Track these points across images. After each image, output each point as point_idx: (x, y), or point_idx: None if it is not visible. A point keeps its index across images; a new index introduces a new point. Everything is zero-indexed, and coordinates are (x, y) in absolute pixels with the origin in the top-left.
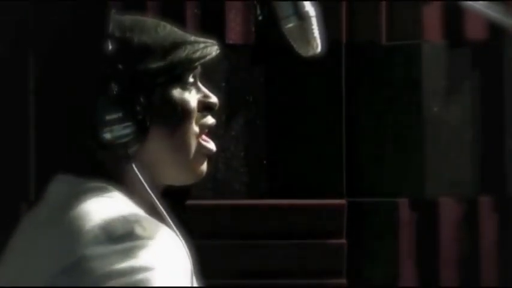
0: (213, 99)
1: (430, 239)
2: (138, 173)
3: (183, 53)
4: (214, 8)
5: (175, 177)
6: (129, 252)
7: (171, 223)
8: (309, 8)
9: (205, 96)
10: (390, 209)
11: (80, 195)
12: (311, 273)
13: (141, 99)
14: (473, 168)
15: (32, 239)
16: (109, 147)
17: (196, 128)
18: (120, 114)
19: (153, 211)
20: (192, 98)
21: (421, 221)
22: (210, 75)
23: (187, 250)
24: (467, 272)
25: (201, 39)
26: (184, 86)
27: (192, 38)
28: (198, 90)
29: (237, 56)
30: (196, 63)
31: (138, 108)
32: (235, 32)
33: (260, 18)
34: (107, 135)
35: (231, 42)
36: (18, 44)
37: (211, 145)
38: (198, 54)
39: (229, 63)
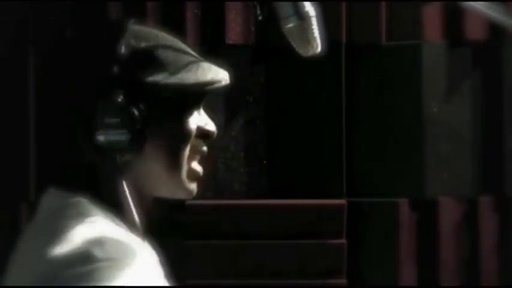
0: (212, 128)
1: (430, 239)
2: (125, 186)
3: (193, 76)
4: (214, 8)
5: (166, 192)
6: (85, 276)
7: (146, 240)
8: (309, 8)
9: (205, 123)
10: (390, 209)
11: (59, 212)
12: (311, 273)
13: (142, 110)
14: (473, 168)
15: (21, 252)
16: (101, 151)
17: (189, 151)
18: (118, 120)
19: (139, 225)
20: (192, 121)
21: (421, 221)
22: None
23: (156, 267)
24: (467, 272)
25: (214, 66)
26: (188, 108)
27: (205, 63)
28: (200, 115)
29: (237, 56)
30: (204, 89)
31: (137, 118)
32: (235, 32)
33: (260, 18)
34: (101, 138)
35: (231, 42)
36: (18, 44)
37: (199, 169)
38: (207, 79)
39: (229, 63)
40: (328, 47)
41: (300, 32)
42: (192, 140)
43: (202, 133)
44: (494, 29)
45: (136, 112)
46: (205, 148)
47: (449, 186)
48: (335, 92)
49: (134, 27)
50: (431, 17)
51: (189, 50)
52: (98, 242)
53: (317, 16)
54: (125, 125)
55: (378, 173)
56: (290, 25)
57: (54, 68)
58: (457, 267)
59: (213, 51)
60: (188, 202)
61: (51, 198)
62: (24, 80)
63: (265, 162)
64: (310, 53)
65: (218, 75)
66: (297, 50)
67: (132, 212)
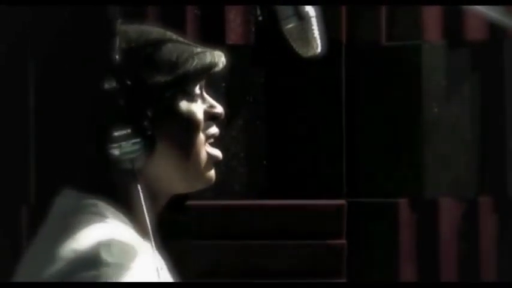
0: (219, 109)
1: (430, 239)
2: (141, 192)
3: (190, 66)
4: (215, 8)
5: (185, 186)
6: (92, 280)
7: (154, 247)
8: (309, 9)
9: (211, 106)
10: (390, 209)
11: (71, 213)
12: (311, 273)
13: (149, 114)
14: (473, 168)
15: (33, 253)
16: (117, 163)
17: (203, 137)
18: (128, 131)
19: (150, 229)
20: (198, 108)
21: (421, 221)
22: (210, 75)
23: (160, 275)
24: (467, 272)
25: (207, 50)
26: (191, 98)
27: (199, 49)
28: (204, 100)
29: (237, 57)
30: (203, 75)
31: (146, 123)
32: (235, 33)
33: (260, 18)
34: (115, 152)
35: (231, 42)
36: (18, 46)
37: (217, 152)
38: (205, 66)
39: (229, 64)
40: (328, 47)
41: (300, 32)
42: (202, 125)
43: (210, 116)
44: (494, 29)
45: (144, 117)
46: (216, 129)
47: (449, 187)
48: (335, 92)
49: (122, 28)
50: (431, 17)
51: (179, 39)
52: (107, 245)
53: (317, 16)
54: (137, 133)
55: (378, 173)
56: (290, 25)
57: (54, 71)
58: (457, 267)
59: None
60: (188, 202)
61: (66, 198)
62: (24, 83)
63: (265, 162)
64: (310, 53)
65: (214, 58)
66: (297, 50)
67: (144, 216)
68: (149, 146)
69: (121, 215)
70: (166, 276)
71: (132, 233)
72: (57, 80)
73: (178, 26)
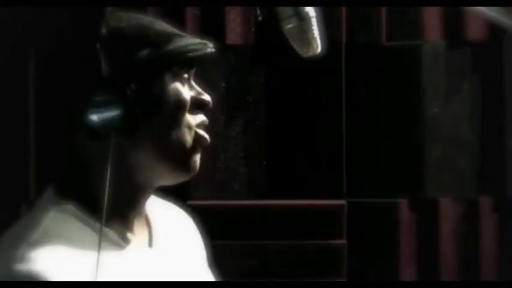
0: (206, 97)
1: (430, 239)
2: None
3: (176, 45)
4: (214, 8)
5: (168, 175)
6: None
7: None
8: (309, 9)
9: (199, 93)
10: (390, 209)
11: (37, 215)
12: (311, 273)
13: (132, 86)
14: (473, 168)
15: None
16: (94, 133)
17: (191, 120)
18: (109, 97)
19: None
20: (185, 91)
21: (421, 221)
22: (209, 75)
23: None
24: (467, 272)
25: (195, 37)
26: (178, 79)
27: (187, 35)
28: (192, 87)
29: (237, 57)
30: (189, 55)
31: (128, 93)
32: (235, 33)
33: (260, 18)
34: (93, 117)
35: (230, 42)
36: (18, 44)
37: (206, 135)
38: (191, 47)
39: (229, 64)
40: (328, 47)
41: (300, 32)
42: (189, 110)
43: (197, 103)
44: (494, 29)
45: (126, 87)
46: (204, 118)
47: (449, 186)
48: (335, 92)
49: (111, 10)
50: (431, 17)
51: (168, 25)
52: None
53: (317, 17)
54: (117, 100)
55: (378, 174)
56: (290, 26)
57: (54, 68)
58: (457, 267)
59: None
60: (188, 202)
61: (43, 198)
62: (24, 80)
63: (265, 162)
64: (310, 53)
65: (200, 44)
66: (297, 50)
67: (119, 211)
68: (131, 119)
69: (78, 222)
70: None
71: (64, 257)
72: (55, 72)
73: (178, 26)
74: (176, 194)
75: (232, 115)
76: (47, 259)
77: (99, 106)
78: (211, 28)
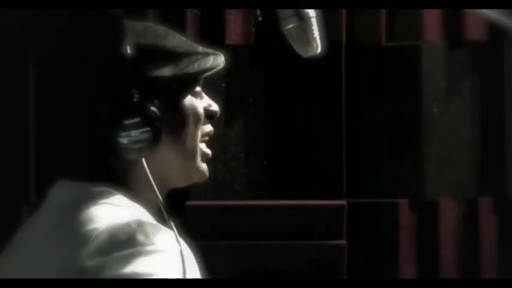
0: (216, 107)
1: (430, 239)
2: (150, 177)
3: (195, 63)
4: (215, 9)
5: (183, 178)
6: (129, 259)
7: (174, 227)
8: (309, 9)
9: (209, 104)
10: (390, 209)
11: (84, 200)
12: (311, 273)
13: (157, 105)
14: (473, 168)
15: (33, 244)
16: (124, 151)
17: (202, 132)
18: (138, 119)
19: (156, 214)
20: (199, 104)
21: (421, 221)
22: (209, 76)
23: (189, 253)
24: (467, 272)
25: (210, 51)
26: (194, 94)
27: (201, 48)
28: (202, 98)
29: (237, 57)
30: (206, 73)
31: (155, 113)
32: (235, 33)
33: (260, 19)
34: (124, 140)
35: (231, 43)
36: (18, 45)
37: (209, 151)
38: (208, 65)
39: (229, 64)
40: (328, 47)
41: (300, 32)
42: (202, 121)
43: (207, 114)
44: (494, 29)
45: (153, 108)
46: (211, 128)
47: (449, 187)
48: (335, 92)
49: (128, 23)
50: (431, 18)
51: (183, 38)
52: (138, 225)
53: (317, 17)
54: (146, 123)
55: (378, 174)
56: (290, 26)
57: (55, 69)
58: (457, 267)
59: None
60: (188, 203)
61: (64, 189)
62: (24, 80)
63: (265, 162)
64: (310, 53)
65: (217, 60)
66: (297, 50)
67: (157, 201)
68: (156, 135)
69: (130, 201)
70: (190, 258)
71: (149, 216)
72: (56, 74)
73: (178, 27)
74: (176, 195)
75: (232, 115)
76: (167, 238)
77: (128, 129)
78: (212, 28)
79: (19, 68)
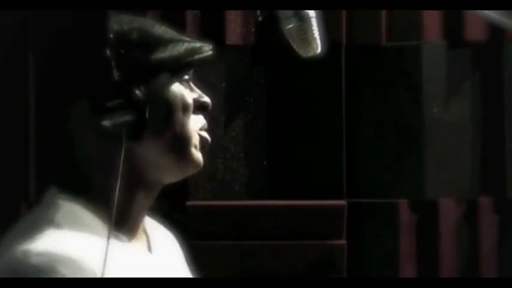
0: (206, 99)
1: (430, 240)
2: (131, 177)
3: (181, 48)
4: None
5: (176, 170)
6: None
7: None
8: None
9: (199, 95)
10: (390, 210)
11: (41, 207)
12: (311, 273)
13: (143, 90)
14: (473, 168)
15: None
16: (106, 137)
17: (194, 122)
18: (121, 101)
19: (127, 222)
20: (188, 93)
21: (421, 222)
22: (209, 75)
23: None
24: (467, 273)
25: (197, 39)
26: (182, 83)
27: (188, 38)
28: (192, 89)
29: (237, 57)
30: (193, 58)
31: (139, 96)
32: (235, 33)
33: (260, 19)
34: (107, 123)
35: (231, 43)
36: (18, 45)
37: (208, 137)
38: (195, 50)
39: (229, 64)
40: (328, 47)
41: (300, 32)
42: (192, 111)
43: (199, 105)
44: (494, 29)
45: (137, 91)
46: (204, 121)
47: (449, 187)
48: (335, 93)
49: (114, 14)
50: (431, 18)
51: (169, 28)
52: (58, 259)
53: (317, 17)
54: (129, 104)
55: (378, 174)
56: (290, 26)
57: (54, 69)
58: (457, 267)
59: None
60: (187, 203)
61: (48, 197)
62: (24, 80)
63: (265, 162)
64: (311, 53)
65: (204, 47)
66: (297, 50)
67: (127, 209)
68: (140, 120)
69: (89, 214)
70: (151, 267)
71: (81, 242)
72: (55, 73)
73: (178, 27)
74: (175, 195)
75: (232, 115)
76: (68, 246)
77: (112, 110)
78: (211, 28)
79: (19, 68)
